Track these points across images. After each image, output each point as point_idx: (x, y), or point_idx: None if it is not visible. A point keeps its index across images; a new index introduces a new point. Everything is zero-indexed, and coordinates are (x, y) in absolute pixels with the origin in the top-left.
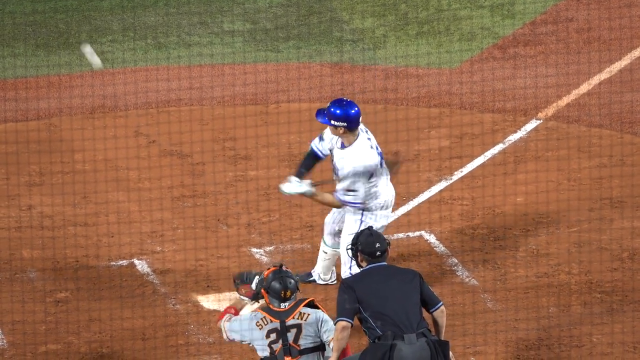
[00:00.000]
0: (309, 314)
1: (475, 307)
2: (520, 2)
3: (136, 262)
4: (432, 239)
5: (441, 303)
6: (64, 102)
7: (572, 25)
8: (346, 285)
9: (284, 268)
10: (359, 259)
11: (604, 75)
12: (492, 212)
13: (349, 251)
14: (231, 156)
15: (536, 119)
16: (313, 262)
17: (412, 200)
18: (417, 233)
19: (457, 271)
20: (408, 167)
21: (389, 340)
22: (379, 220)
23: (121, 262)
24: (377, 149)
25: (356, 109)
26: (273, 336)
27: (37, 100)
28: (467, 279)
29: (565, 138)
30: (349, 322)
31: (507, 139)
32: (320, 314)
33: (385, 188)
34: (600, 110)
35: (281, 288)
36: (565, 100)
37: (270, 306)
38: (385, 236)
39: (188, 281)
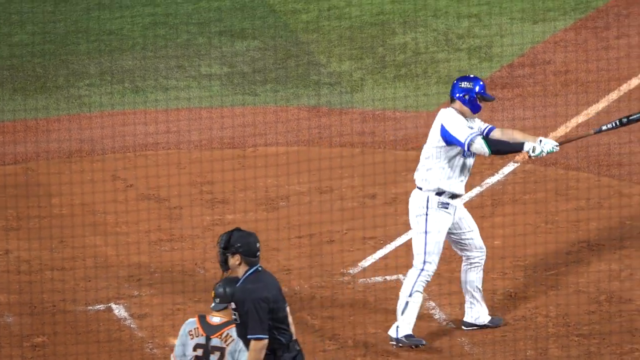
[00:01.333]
0: (232, 339)
1: (453, 351)
2: (498, 45)
3: (113, 306)
4: None
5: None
6: (41, 146)
7: (550, 68)
8: (260, 298)
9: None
10: (237, 261)
11: (581, 117)
12: None
13: (220, 255)
14: (208, 200)
15: (514, 162)
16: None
17: (389, 243)
18: (394, 276)
19: (435, 314)
20: (386, 210)
21: (294, 349)
22: None
23: (98, 306)
24: None
25: None
26: (199, 352)
27: (14, 144)
28: (444, 322)
29: (543, 181)
30: (267, 339)
31: (484, 182)
32: (240, 344)
33: None
34: (577, 153)
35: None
36: None
37: (207, 315)
38: (362, 280)
39: (165, 325)
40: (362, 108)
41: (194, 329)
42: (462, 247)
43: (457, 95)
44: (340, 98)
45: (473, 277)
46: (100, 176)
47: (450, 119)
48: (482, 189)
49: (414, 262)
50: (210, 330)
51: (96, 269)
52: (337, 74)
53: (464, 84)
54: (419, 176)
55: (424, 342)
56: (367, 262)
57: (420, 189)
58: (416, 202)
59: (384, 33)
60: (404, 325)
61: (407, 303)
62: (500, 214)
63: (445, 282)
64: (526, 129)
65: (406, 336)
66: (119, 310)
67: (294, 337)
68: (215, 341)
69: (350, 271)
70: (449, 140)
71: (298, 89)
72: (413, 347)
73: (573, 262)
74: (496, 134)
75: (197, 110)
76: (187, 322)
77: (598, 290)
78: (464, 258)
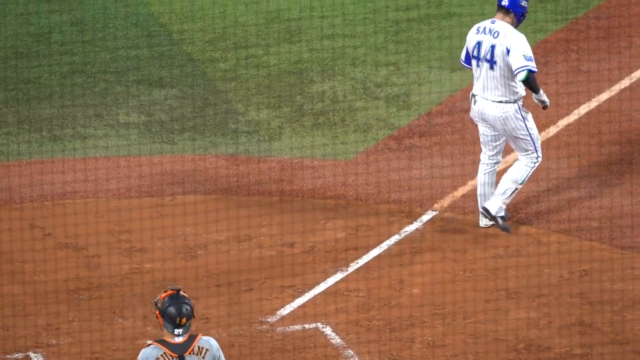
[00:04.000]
0: (206, 350)
1: None
2: (416, 93)
3: (32, 355)
4: (328, 330)
5: None
6: None
7: (467, 117)
8: None
9: (181, 293)
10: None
11: (499, 165)
12: (388, 303)
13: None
14: (127, 249)
15: (432, 210)
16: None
17: (307, 292)
18: (312, 325)
19: None
20: (304, 258)
21: None
22: None
23: (17, 355)
24: None
25: None
26: None
27: None
28: None
29: (461, 229)
30: None
31: (403, 230)
32: (215, 348)
33: None
34: None
35: (176, 314)
36: (461, 191)
37: (166, 338)
38: (281, 328)
39: None
40: (280, 156)
41: (161, 354)
42: (495, 147)
43: (518, 10)
44: (259, 146)
45: (493, 178)
46: (18, 225)
47: (516, 41)
48: (400, 237)
49: (527, 158)
50: (180, 349)
51: (14, 317)
52: (255, 122)
53: (524, 3)
54: (503, 92)
55: (509, 229)
56: (285, 310)
57: (508, 101)
58: (509, 113)
59: (302, 81)
60: (505, 208)
61: (516, 189)
62: (419, 262)
63: (364, 331)
64: (445, 177)
65: (502, 217)
66: (37, 359)
67: None
68: (190, 357)
69: (269, 320)
70: (509, 58)
71: (216, 137)
72: (503, 229)
73: (492, 310)
74: None
75: (115, 158)
76: (144, 351)
77: (517, 338)
78: (489, 159)
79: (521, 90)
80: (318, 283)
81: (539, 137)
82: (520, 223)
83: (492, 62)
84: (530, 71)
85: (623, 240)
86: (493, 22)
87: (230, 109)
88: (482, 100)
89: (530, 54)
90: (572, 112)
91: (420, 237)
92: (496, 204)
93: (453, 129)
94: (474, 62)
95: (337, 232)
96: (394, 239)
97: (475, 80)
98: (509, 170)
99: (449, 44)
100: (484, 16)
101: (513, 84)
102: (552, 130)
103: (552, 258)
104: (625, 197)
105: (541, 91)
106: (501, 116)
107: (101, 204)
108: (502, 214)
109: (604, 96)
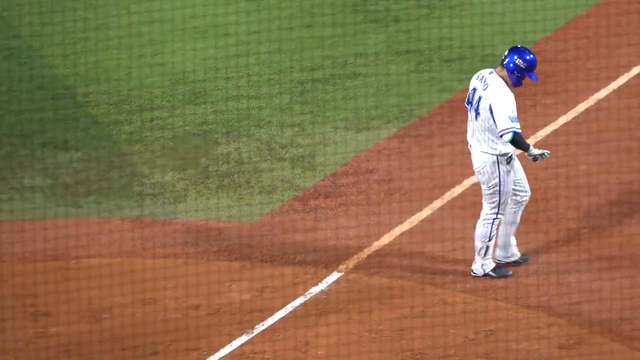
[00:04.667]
0: None
1: None
2: (321, 154)
3: None
4: None
5: None
6: None
7: (373, 177)
8: None
9: None
10: None
11: (405, 226)
12: None
13: None
14: (32, 313)
15: (337, 271)
16: None
17: (213, 354)
18: None
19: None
20: (209, 321)
21: None
22: None
23: None
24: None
25: None
26: None
27: None
28: None
29: (367, 290)
30: None
31: (308, 292)
32: None
33: None
34: (401, 262)
35: None
36: (366, 252)
37: None
38: None
39: None
40: (185, 218)
41: None
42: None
43: (510, 65)
44: (164, 209)
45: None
46: None
47: (499, 100)
48: (306, 299)
49: (489, 211)
50: None
51: None
52: (160, 184)
53: (518, 60)
54: (483, 143)
55: (510, 272)
56: None
57: (486, 153)
58: (486, 164)
59: (207, 143)
60: (488, 263)
61: (488, 246)
62: (324, 324)
63: None
64: (350, 238)
65: (494, 269)
66: None
67: None
68: None
69: None
70: (492, 116)
71: (121, 200)
72: (503, 277)
73: None
74: None
75: (20, 222)
76: None
77: None
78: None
79: (502, 147)
80: (223, 345)
81: (507, 197)
82: (426, 283)
83: (477, 112)
84: (515, 133)
85: (528, 300)
86: (490, 73)
87: (135, 171)
88: (471, 147)
89: (514, 114)
90: None
91: (326, 299)
92: (478, 263)
93: (358, 190)
94: (467, 106)
95: (243, 293)
96: (299, 300)
97: (467, 124)
98: (475, 229)
99: (354, 104)
100: (388, 76)
101: (493, 138)
102: (458, 190)
103: (458, 318)
104: (531, 256)
105: (531, 147)
106: (480, 165)
107: (6, 268)
108: (489, 270)
109: None
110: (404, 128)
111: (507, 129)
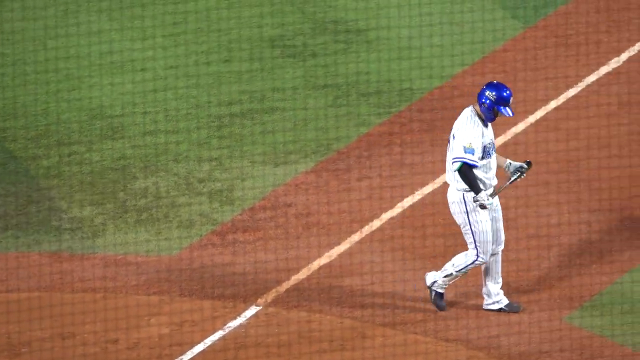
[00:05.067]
0: None
1: None
2: (239, 188)
3: None
4: None
5: None
6: None
7: (291, 211)
8: None
9: None
10: None
11: (323, 260)
12: None
13: None
14: None
15: (256, 305)
16: None
17: None
18: None
19: None
20: (128, 355)
21: None
22: None
23: None
24: None
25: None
26: None
27: None
28: None
29: (286, 324)
30: None
31: (227, 326)
32: None
33: None
34: (320, 295)
35: None
36: (284, 286)
37: None
38: None
39: None
40: (103, 253)
41: None
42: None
43: (482, 99)
44: (82, 243)
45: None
46: None
47: (461, 130)
48: (224, 333)
49: (470, 251)
50: None
51: None
52: (78, 219)
53: (489, 93)
54: (451, 177)
55: (444, 307)
56: None
57: (454, 188)
58: (455, 200)
59: (125, 178)
60: (440, 283)
61: (453, 275)
62: (243, 358)
63: None
64: (269, 272)
65: (438, 294)
66: None
67: None
68: None
69: None
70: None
71: (39, 234)
72: (435, 306)
73: None
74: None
75: None
76: None
77: None
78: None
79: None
80: None
81: (484, 238)
82: (345, 317)
83: (449, 142)
84: (466, 164)
85: (447, 333)
86: (468, 107)
87: (53, 206)
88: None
89: (474, 146)
90: (396, 205)
91: (245, 333)
92: (433, 277)
93: (276, 224)
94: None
95: (162, 328)
96: (218, 334)
97: None
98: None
99: (272, 139)
100: (306, 111)
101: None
102: (376, 224)
103: (377, 352)
104: (450, 290)
105: (482, 194)
106: (450, 201)
107: None
108: (439, 290)
109: (428, 189)
110: (321, 162)
111: (457, 157)
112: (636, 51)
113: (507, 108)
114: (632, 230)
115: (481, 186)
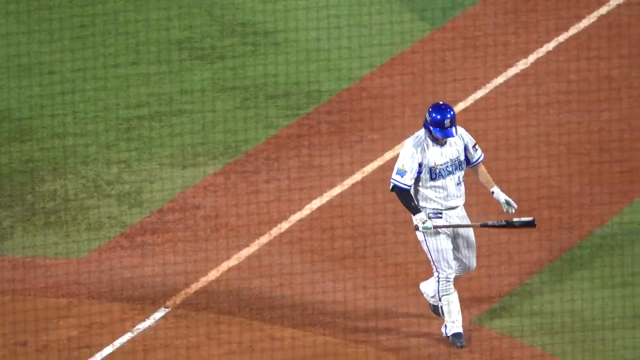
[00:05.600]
0: None
1: None
2: (148, 191)
3: None
4: None
5: None
6: None
7: (200, 213)
8: None
9: None
10: None
11: (232, 262)
12: None
13: None
14: None
15: (165, 307)
16: None
17: None
18: None
19: None
20: (37, 357)
21: None
22: None
23: None
24: None
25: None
26: None
27: None
28: None
29: (195, 326)
30: None
31: (135, 328)
32: None
33: None
34: (229, 297)
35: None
36: (193, 288)
37: None
38: None
39: None
40: (12, 255)
41: None
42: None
43: (425, 120)
44: None
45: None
46: None
47: (401, 152)
48: (133, 335)
49: (434, 273)
50: None
51: None
52: None
53: (427, 114)
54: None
55: (464, 343)
56: None
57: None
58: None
59: (33, 180)
60: (449, 324)
61: (434, 305)
62: None
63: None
64: (177, 274)
65: (454, 335)
66: None
67: None
68: None
69: None
70: None
71: None
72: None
73: None
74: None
75: None
76: None
77: None
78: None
79: (422, 201)
80: None
81: (438, 257)
82: (254, 318)
83: None
84: (396, 186)
85: (357, 335)
86: None
87: None
88: None
89: (406, 168)
90: (305, 207)
91: (153, 335)
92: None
93: (185, 226)
94: None
95: (71, 330)
96: (127, 336)
97: None
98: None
99: (180, 141)
100: (214, 113)
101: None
102: (285, 226)
103: (286, 353)
104: (359, 291)
105: (418, 215)
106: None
107: None
108: (452, 332)
109: (336, 191)
110: (230, 164)
111: (391, 179)
112: (544, 53)
113: (437, 130)
114: (541, 231)
115: (429, 206)
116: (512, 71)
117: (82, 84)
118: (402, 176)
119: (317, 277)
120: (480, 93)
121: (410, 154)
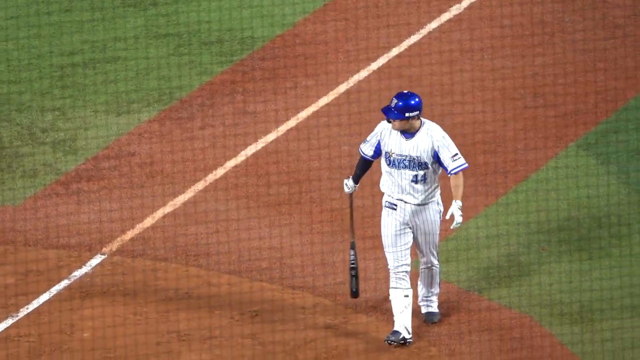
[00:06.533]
0: None
1: None
2: (82, 138)
3: None
4: None
5: None
6: None
7: (135, 160)
8: None
9: None
10: None
11: (168, 208)
12: (59, 347)
13: None
14: None
15: (101, 254)
16: None
17: None
18: None
19: None
20: None
21: None
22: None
23: None
24: None
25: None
26: None
27: None
28: None
29: (131, 272)
30: None
31: (72, 275)
32: None
33: None
34: (165, 244)
35: None
36: (129, 235)
37: None
38: None
39: None
40: None
41: None
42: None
43: None
44: None
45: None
46: None
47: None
48: (70, 282)
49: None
50: None
51: None
52: None
53: (391, 104)
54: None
55: (392, 340)
56: None
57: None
58: None
59: None
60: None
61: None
62: (89, 307)
63: None
64: (113, 220)
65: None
66: None
67: None
68: None
69: None
70: None
71: None
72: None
73: (163, 352)
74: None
75: None
76: None
77: None
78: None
79: (383, 185)
80: None
81: (384, 242)
82: (190, 265)
83: None
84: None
85: (293, 280)
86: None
87: None
88: None
89: (368, 138)
90: (240, 153)
91: (90, 281)
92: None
93: (120, 173)
94: None
95: (7, 277)
96: (64, 283)
97: None
98: None
99: (115, 88)
100: (148, 60)
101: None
102: (220, 172)
103: (223, 299)
104: (295, 237)
105: (350, 179)
106: None
107: None
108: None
109: (271, 137)
110: (164, 111)
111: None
112: None
113: (386, 107)
114: (476, 176)
115: (386, 191)
116: (445, 16)
117: (16, 31)
118: (363, 143)
119: (253, 223)
120: (414, 39)
121: (377, 129)
